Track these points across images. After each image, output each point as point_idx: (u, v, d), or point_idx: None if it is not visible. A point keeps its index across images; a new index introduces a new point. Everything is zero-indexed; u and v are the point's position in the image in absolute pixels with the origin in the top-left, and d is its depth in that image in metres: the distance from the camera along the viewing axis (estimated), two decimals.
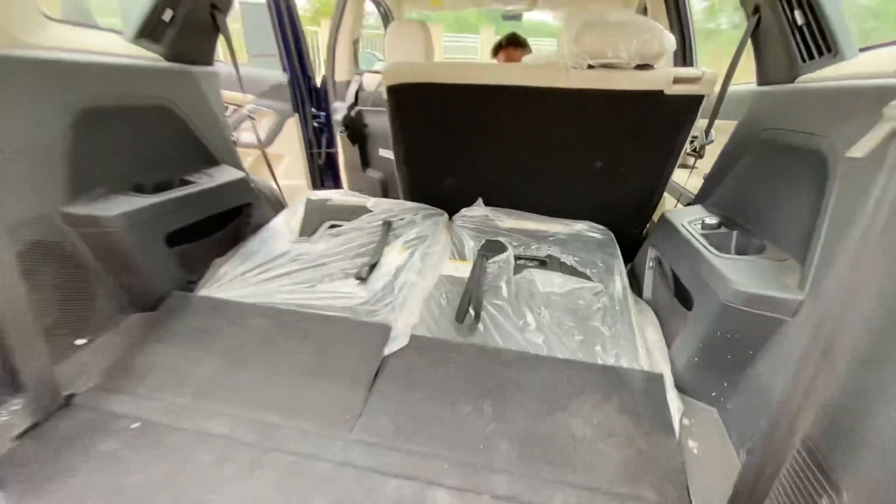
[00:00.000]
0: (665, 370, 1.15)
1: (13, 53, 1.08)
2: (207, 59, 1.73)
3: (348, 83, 3.00)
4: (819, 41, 1.16)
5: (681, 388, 1.13)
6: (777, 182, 1.16)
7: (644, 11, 2.72)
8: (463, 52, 14.18)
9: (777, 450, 0.68)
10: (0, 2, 1.08)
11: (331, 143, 3.05)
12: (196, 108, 1.62)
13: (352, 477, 0.91)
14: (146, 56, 1.49)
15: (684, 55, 2.49)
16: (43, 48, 1.17)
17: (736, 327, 0.99)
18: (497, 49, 3.21)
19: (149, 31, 1.50)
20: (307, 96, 2.89)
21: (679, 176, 1.97)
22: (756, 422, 0.96)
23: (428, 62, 1.93)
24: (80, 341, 1.23)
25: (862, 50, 1.11)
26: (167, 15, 1.52)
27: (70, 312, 1.21)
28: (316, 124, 2.97)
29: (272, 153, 2.65)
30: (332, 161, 3.12)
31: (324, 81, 2.99)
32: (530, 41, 3.10)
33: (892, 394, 0.64)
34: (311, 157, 3.00)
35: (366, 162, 2.87)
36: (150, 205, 1.31)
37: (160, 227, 1.35)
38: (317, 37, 8.66)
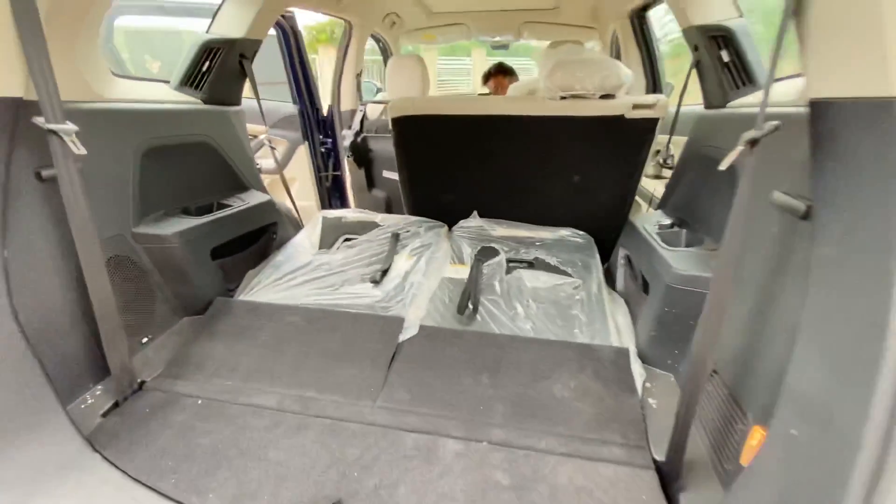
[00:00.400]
0: (631, 346, 1.39)
1: (96, 106, 1.36)
2: (237, 99, 2.02)
3: (353, 112, 3.30)
4: (742, 74, 1.44)
5: (643, 359, 1.37)
6: (711, 188, 1.42)
7: (616, 42, 3.03)
8: (457, 74, 14.67)
9: (695, 385, 0.92)
10: (85, 65, 1.35)
11: (337, 166, 3.33)
12: (229, 142, 1.90)
13: (378, 433, 1.14)
14: (188, 100, 1.77)
15: (653, 77, 2.79)
16: (114, 100, 1.44)
17: (678, 303, 1.24)
18: (487, 77, 3.53)
19: (190, 79, 1.79)
20: (315, 125, 3.19)
21: (654, 184, 2.25)
22: None
23: (427, 97, 2.21)
24: (144, 339, 1.47)
25: (775, 81, 1.39)
26: (205, 66, 1.81)
27: (137, 314, 1.45)
28: (323, 150, 3.26)
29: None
30: (338, 183, 3.40)
31: (329, 111, 3.29)
32: (518, 58, 3.43)
33: (769, 335, 0.88)
34: (319, 180, 3.28)
35: (371, 183, 3.15)
36: (199, 224, 1.57)
37: (207, 242, 1.61)
38: (315, 64, 9.05)
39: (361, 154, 3.03)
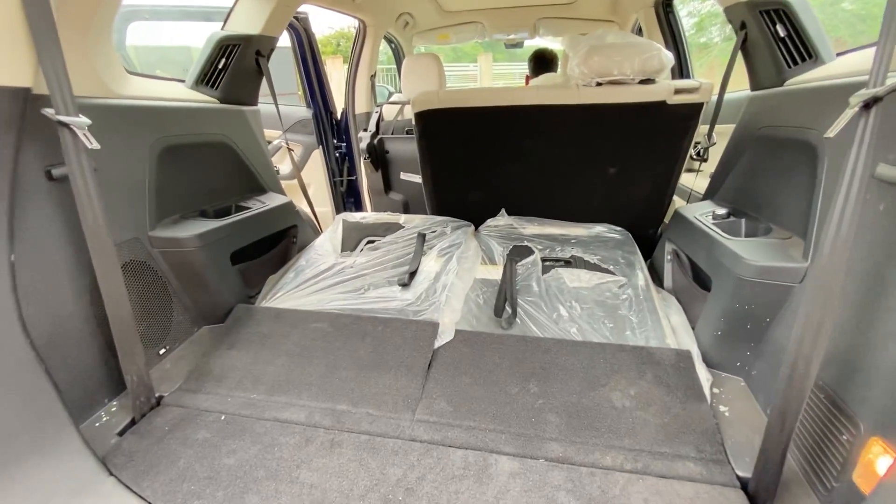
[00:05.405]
0: (692, 347, 1.26)
1: (110, 102, 1.28)
2: (253, 99, 1.94)
3: (367, 115, 3.23)
4: (801, 49, 1.32)
5: (708, 362, 1.24)
6: (775, 171, 1.30)
7: (639, 31, 2.93)
8: (463, 80, 14.69)
9: (795, 393, 0.79)
10: (98, 61, 1.27)
11: (352, 170, 3.25)
12: (246, 142, 1.81)
13: (421, 450, 1.02)
14: (205, 99, 1.70)
15: (681, 68, 2.67)
16: (128, 97, 1.36)
17: (751, 298, 1.11)
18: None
19: (206, 78, 1.71)
20: (329, 129, 3.11)
21: (686, 179, 2.12)
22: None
23: (452, 90, 2.12)
24: (161, 350, 1.38)
25: (839, 54, 1.27)
26: (221, 63, 1.73)
27: (154, 324, 1.36)
28: (337, 154, 3.19)
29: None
30: (353, 187, 3.32)
31: (343, 114, 3.22)
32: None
33: (887, 328, 0.76)
34: (334, 185, 3.20)
35: (388, 186, 3.06)
36: (218, 227, 1.48)
37: (226, 246, 1.52)
38: None
39: (378, 156, 2.95)
